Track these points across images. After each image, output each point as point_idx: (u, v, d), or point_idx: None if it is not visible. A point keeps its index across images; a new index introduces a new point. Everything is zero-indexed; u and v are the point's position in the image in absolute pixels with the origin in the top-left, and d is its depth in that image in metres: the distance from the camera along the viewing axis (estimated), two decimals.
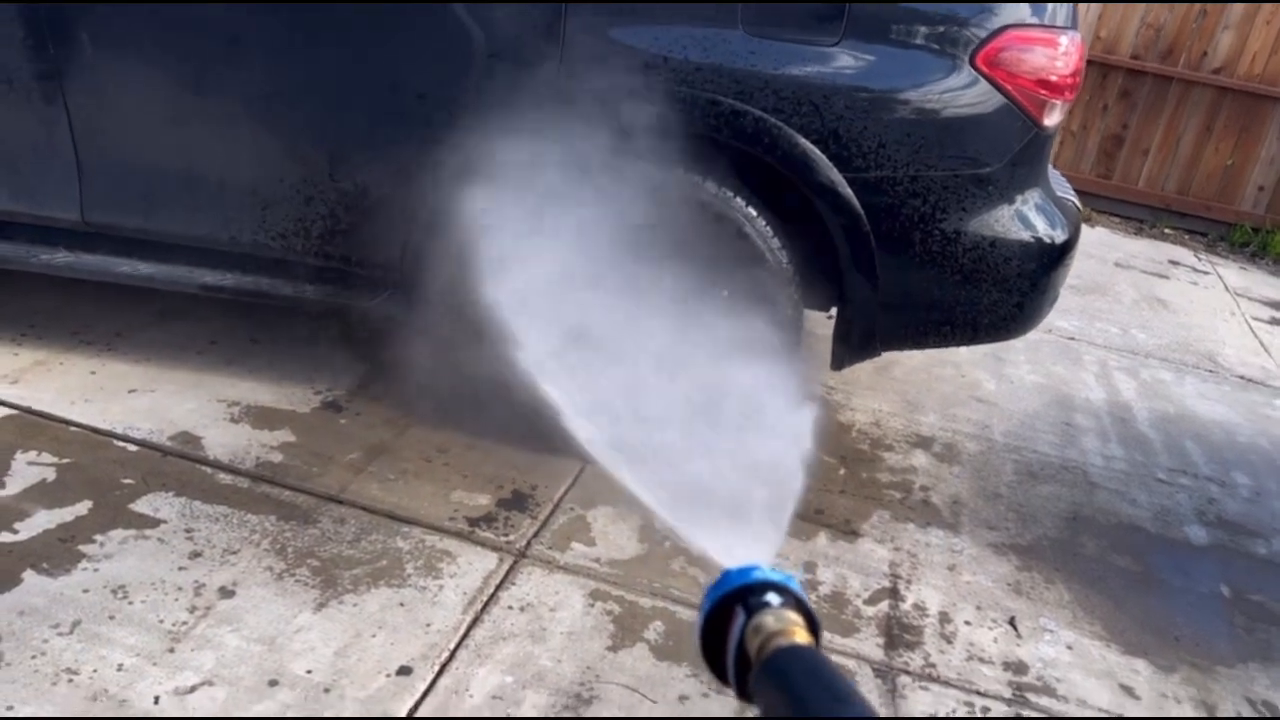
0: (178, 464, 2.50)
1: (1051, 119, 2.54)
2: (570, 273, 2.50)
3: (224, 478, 2.47)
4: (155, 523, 2.27)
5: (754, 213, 2.51)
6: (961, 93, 2.45)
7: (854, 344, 2.68)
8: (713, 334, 2.67)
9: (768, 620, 0.69)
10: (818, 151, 2.42)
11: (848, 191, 2.44)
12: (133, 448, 2.53)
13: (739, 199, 2.50)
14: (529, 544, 2.40)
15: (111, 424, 2.61)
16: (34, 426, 2.55)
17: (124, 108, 2.47)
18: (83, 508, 2.28)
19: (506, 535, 2.41)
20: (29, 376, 2.77)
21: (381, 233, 2.56)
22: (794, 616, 0.70)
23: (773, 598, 0.71)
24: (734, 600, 0.72)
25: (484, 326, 2.59)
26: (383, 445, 2.71)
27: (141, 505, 2.32)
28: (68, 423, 2.59)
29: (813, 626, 0.70)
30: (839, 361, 2.71)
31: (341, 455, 2.64)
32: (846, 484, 2.90)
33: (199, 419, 2.70)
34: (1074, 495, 3.05)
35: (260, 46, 2.40)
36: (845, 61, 2.39)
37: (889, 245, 2.51)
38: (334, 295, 2.60)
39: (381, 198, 2.51)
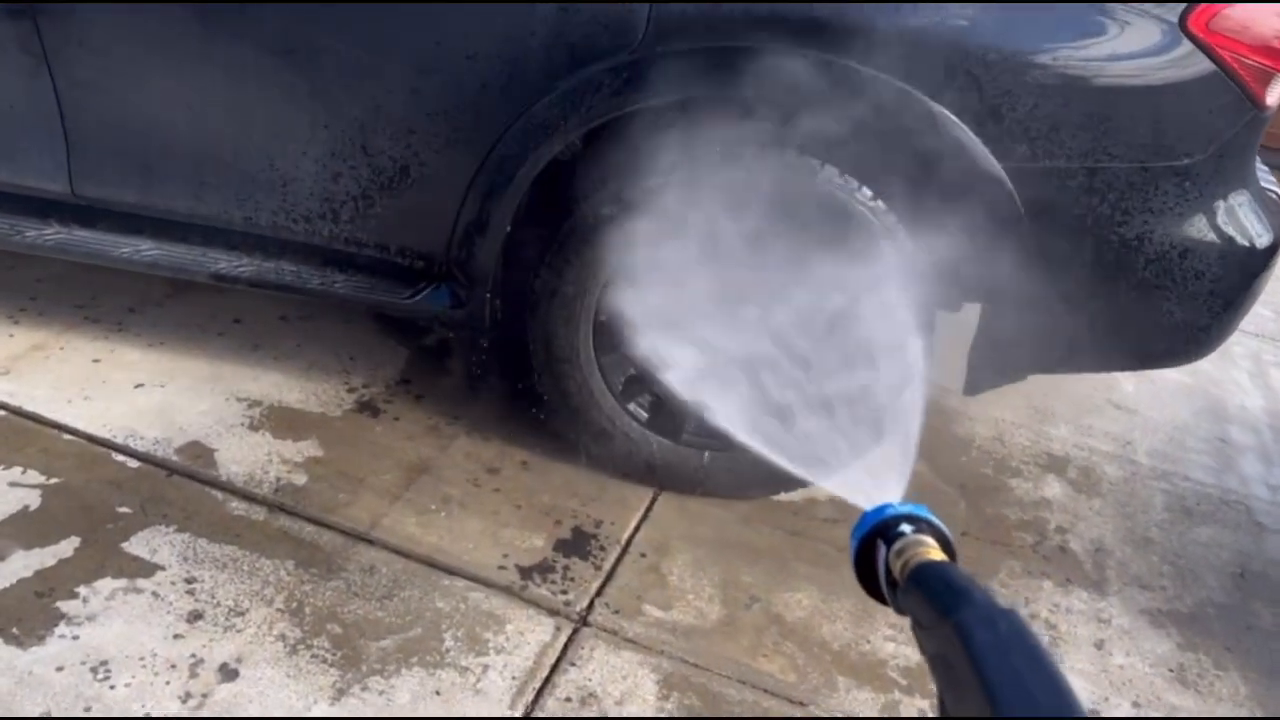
0: (184, 486, 2.13)
1: (1275, 96, 1.98)
2: (649, 272, 2.05)
3: (236, 506, 2.10)
4: (152, 569, 1.91)
5: (883, 206, 2.01)
6: (1163, 63, 1.90)
7: (995, 365, 2.19)
8: (827, 339, 2.22)
9: (904, 546, 0.79)
10: (972, 135, 1.90)
11: (1008, 187, 1.93)
12: (134, 463, 2.16)
13: (865, 189, 2.00)
14: (591, 604, 2.00)
15: (112, 430, 2.24)
16: (22, 433, 2.20)
17: (115, 59, 2.03)
18: (68, 547, 1.93)
19: (565, 592, 2.01)
20: (23, 365, 2.40)
21: (425, 218, 2.11)
22: (926, 539, 0.80)
23: (905, 527, 0.80)
24: (874, 536, 0.82)
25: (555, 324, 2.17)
26: (424, 463, 2.31)
27: (137, 545, 1.96)
28: (61, 428, 2.23)
29: (944, 543, 0.80)
30: (974, 385, 2.23)
31: (375, 476, 2.25)
32: (969, 523, 2.44)
33: (213, 424, 2.32)
34: (1239, 541, 2.56)
35: None
36: (1017, 19, 1.85)
37: (1052, 252, 2.00)
38: (368, 290, 2.17)
39: (425, 177, 2.05)
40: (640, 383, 2.25)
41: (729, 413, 1.98)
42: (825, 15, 1.84)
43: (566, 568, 2.08)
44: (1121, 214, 1.97)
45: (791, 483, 2.34)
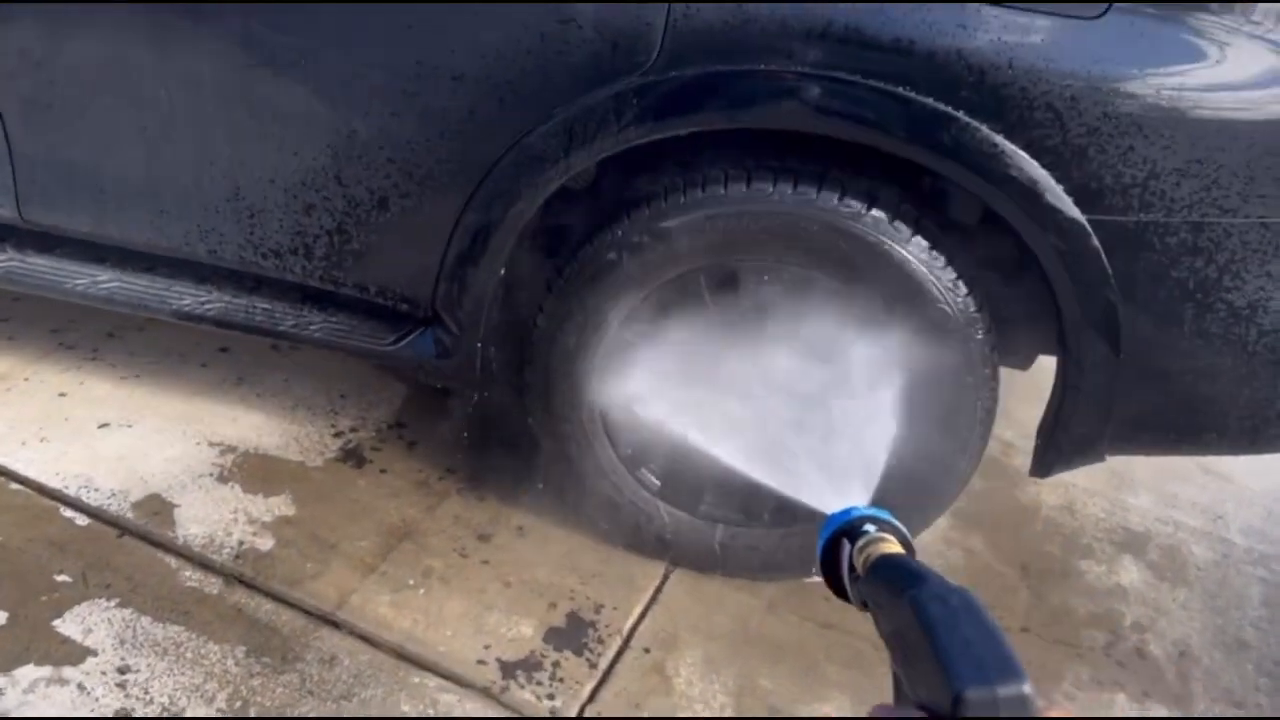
0: (134, 550, 1.90)
1: None
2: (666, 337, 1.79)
3: (190, 576, 1.86)
4: (82, 654, 1.68)
5: (944, 270, 1.69)
6: None
7: (1070, 443, 1.86)
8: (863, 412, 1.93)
9: (867, 543, 0.85)
10: (1051, 180, 1.57)
11: (1092, 243, 1.60)
12: (83, 520, 1.94)
13: (920, 238, 1.69)
14: (581, 713, 1.73)
15: (65, 480, 2.02)
16: None
17: (60, 73, 1.80)
18: None
19: (551, 696, 1.74)
20: None
21: (407, 256, 1.85)
22: (888, 536, 0.87)
23: (869, 527, 0.88)
24: (840, 535, 0.89)
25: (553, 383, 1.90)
26: (406, 526, 2.06)
27: (70, 623, 1.73)
28: (10, 475, 2.01)
29: (906, 544, 0.87)
30: (1044, 465, 1.90)
31: (350, 541, 2.00)
32: (1030, 615, 2.11)
33: (178, 474, 2.09)
34: None
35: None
36: (1111, 44, 1.51)
37: (1145, 319, 1.67)
38: (346, 334, 1.92)
39: (406, 211, 1.78)
40: (651, 447, 1.97)
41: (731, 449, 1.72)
42: (875, 31, 1.53)
43: (556, 664, 1.81)
44: (1232, 278, 1.62)
45: None
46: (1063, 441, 1.86)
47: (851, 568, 0.87)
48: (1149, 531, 2.44)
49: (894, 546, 0.86)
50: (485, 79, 1.63)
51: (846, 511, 0.93)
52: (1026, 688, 0.56)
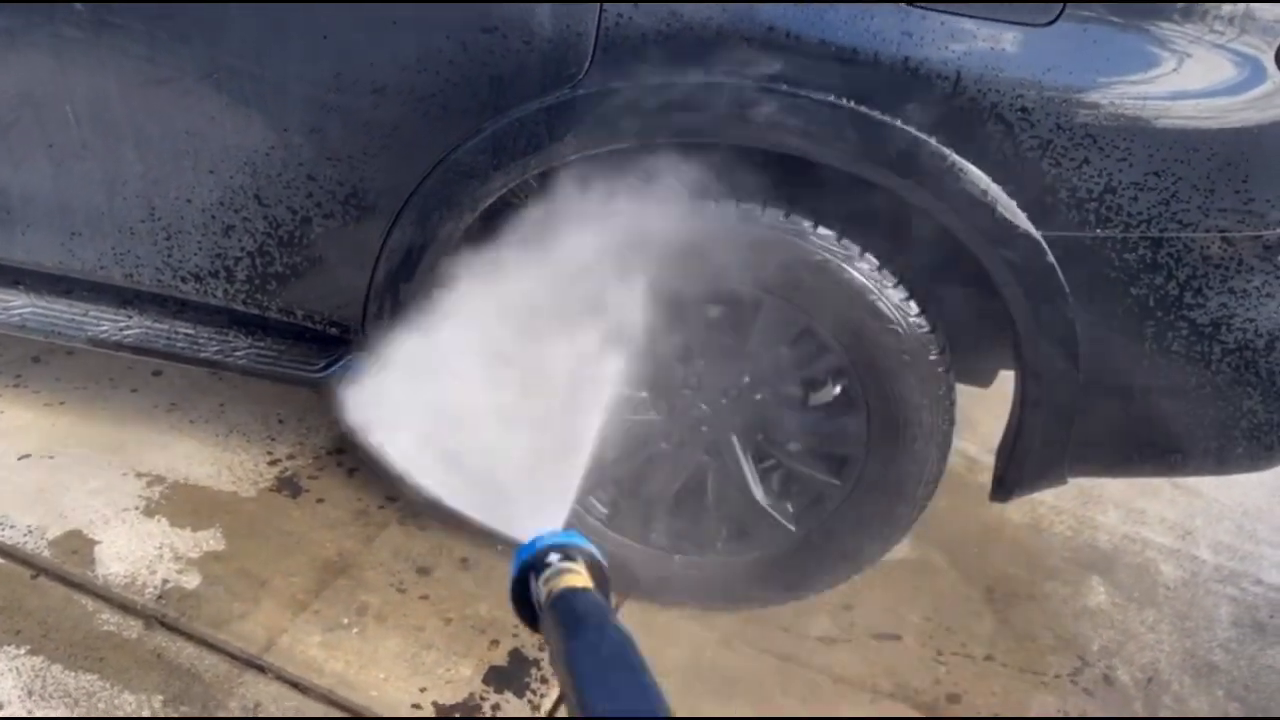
0: (49, 592, 1.80)
1: None
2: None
3: (108, 619, 1.76)
4: None
5: (893, 288, 1.62)
6: (1254, 109, 1.47)
7: (1029, 465, 1.79)
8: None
9: (549, 576, 0.87)
10: (1003, 194, 1.49)
11: (1047, 260, 1.53)
12: None
13: (868, 255, 1.61)
14: None
15: None
16: None
17: None
18: None
19: None
20: None
21: (333, 278, 1.75)
22: (571, 566, 0.88)
23: (553, 558, 0.89)
24: (527, 570, 0.90)
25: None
26: (343, 559, 1.96)
27: None
28: None
29: (592, 563, 0.90)
30: (1005, 488, 1.83)
31: (282, 577, 1.90)
32: (994, 641, 2.03)
33: (101, 508, 1.98)
34: None
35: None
36: (1063, 53, 1.44)
37: (1105, 336, 1.60)
38: (272, 361, 1.82)
39: (330, 232, 1.69)
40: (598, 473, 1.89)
41: None
42: (816, 39, 1.45)
43: (496, 706, 1.72)
44: (1194, 294, 1.55)
45: (780, 594, 1.97)
46: (1023, 462, 1.78)
47: (541, 602, 0.88)
48: (1117, 550, 2.37)
49: (577, 577, 0.88)
50: (408, 92, 1.54)
51: (532, 544, 0.92)
52: None
